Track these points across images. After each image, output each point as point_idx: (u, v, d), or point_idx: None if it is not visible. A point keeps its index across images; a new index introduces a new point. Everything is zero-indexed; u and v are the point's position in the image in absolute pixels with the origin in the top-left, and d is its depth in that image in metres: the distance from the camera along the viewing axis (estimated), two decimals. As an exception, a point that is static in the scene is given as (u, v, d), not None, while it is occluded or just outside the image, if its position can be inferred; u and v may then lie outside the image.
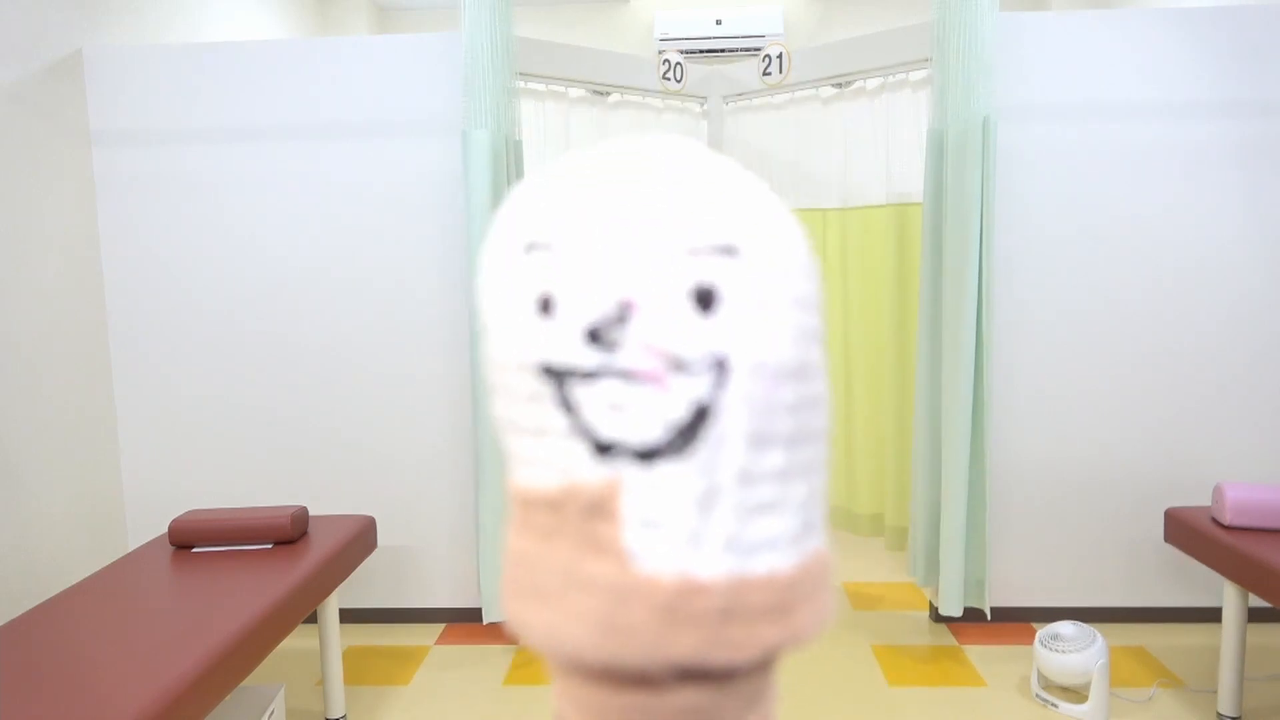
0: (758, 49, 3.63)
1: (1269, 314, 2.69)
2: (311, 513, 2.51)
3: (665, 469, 0.31)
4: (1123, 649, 2.62)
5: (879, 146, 3.43)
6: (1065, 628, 2.38)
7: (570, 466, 0.32)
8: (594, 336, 0.31)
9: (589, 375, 0.31)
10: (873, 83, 3.35)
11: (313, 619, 2.36)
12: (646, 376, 0.31)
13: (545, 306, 0.32)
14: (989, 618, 2.82)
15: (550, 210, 0.33)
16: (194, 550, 2.25)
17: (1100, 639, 2.32)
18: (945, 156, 2.69)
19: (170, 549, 2.26)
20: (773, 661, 0.35)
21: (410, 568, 2.92)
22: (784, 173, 3.77)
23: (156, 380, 2.86)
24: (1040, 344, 2.75)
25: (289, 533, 2.25)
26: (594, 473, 0.32)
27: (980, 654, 2.66)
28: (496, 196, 2.67)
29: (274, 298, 2.84)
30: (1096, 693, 2.29)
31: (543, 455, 0.33)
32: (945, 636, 2.78)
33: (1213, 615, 2.67)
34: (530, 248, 0.33)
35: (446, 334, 2.83)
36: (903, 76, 3.19)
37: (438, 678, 2.59)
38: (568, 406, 0.32)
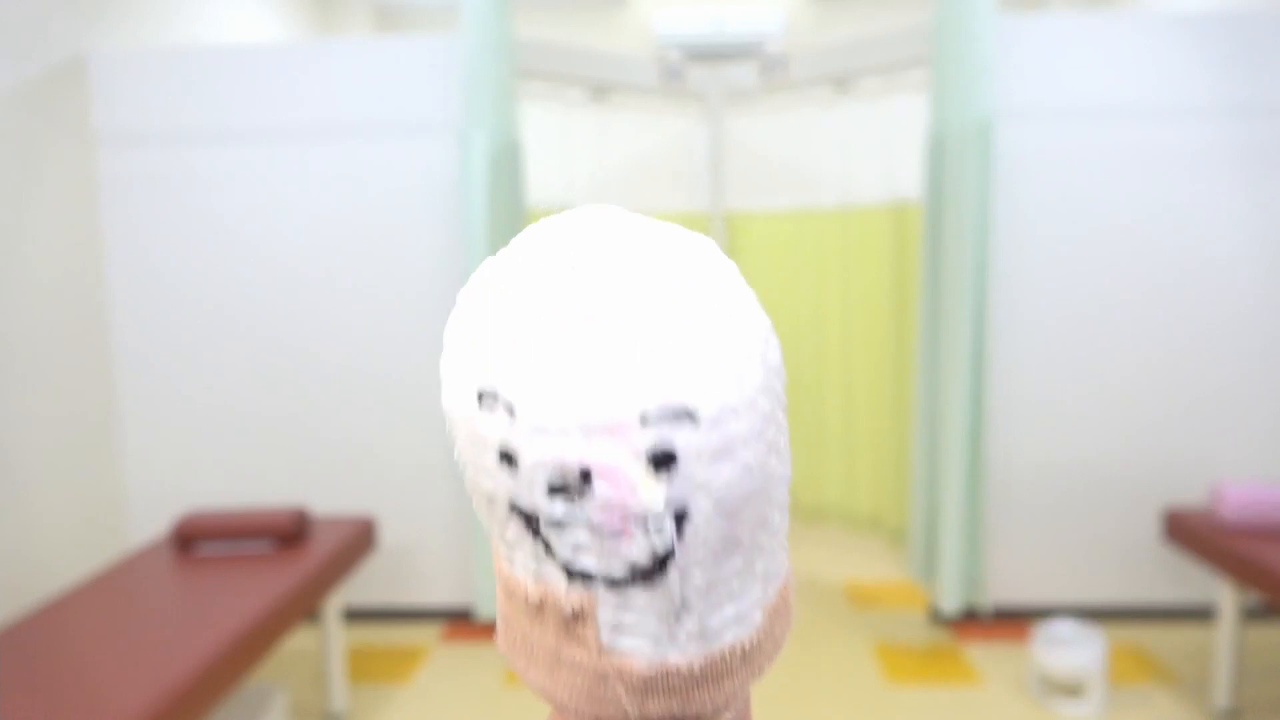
0: (757, 49, 3.63)
1: (1267, 315, 2.70)
2: (312, 513, 2.52)
3: (634, 592, 0.35)
4: (1120, 647, 2.63)
5: (878, 147, 3.44)
6: (1063, 626, 2.39)
7: (545, 578, 0.36)
8: (557, 491, 0.34)
9: (556, 524, 0.34)
10: (872, 83, 3.35)
11: (314, 618, 2.37)
12: (610, 530, 0.34)
13: (508, 459, 0.34)
14: (987, 616, 2.82)
15: (500, 355, 0.34)
16: (195, 550, 2.26)
17: (1098, 637, 2.33)
18: (944, 158, 2.70)
19: (171, 548, 2.27)
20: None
21: (411, 567, 2.93)
22: (783, 173, 3.77)
23: (158, 380, 2.86)
24: (1039, 343, 2.75)
25: (290, 532, 2.26)
26: (568, 590, 0.35)
27: (978, 652, 2.66)
28: (496, 197, 2.68)
29: (275, 298, 2.85)
30: (1094, 690, 2.30)
31: (520, 561, 0.37)
32: (943, 635, 2.79)
33: (1210, 613, 2.68)
34: (484, 398, 0.35)
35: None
36: (902, 77, 3.19)
37: (438, 676, 2.60)
38: (538, 538, 0.35)
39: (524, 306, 0.34)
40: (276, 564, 2.14)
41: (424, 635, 2.87)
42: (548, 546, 0.35)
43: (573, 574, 0.35)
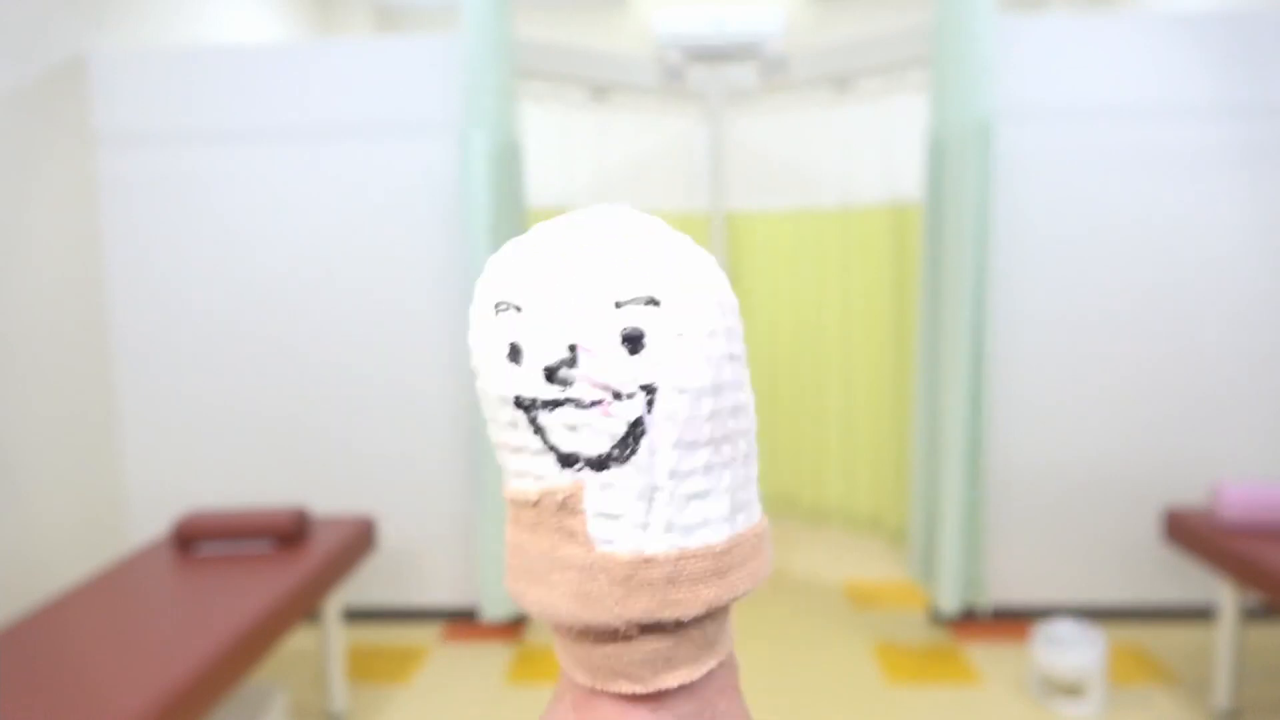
0: (757, 49, 3.63)
1: (1267, 315, 2.70)
2: (312, 513, 2.52)
3: (614, 473, 0.40)
4: (1120, 647, 2.63)
5: (878, 147, 3.44)
6: (1063, 626, 2.39)
7: (544, 475, 0.42)
8: (551, 375, 0.40)
9: (550, 404, 0.41)
10: (872, 83, 3.35)
11: (314, 618, 2.37)
12: (593, 403, 0.40)
13: (514, 354, 0.42)
14: (987, 616, 2.82)
15: (513, 276, 0.43)
16: (194, 550, 2.26)
17: (1098, 637, 2.33)
18: (944, 158, 2.70)
19: (171, 548, 2.27)
20: (719, 614, 0.43)
21: (411, 566, 2.93)
22: (783, 173, 3.77)
23: (159, 380, 2.86)
24: (1038, 343, 2.75)
25: (290, 532, 2.26)
26: (561, 479, 0.41)
27: (978, 652, 2.66)
28: (497, 198, 2.68)
29: (276, 298, 2.85)
30: (1094, 690, 2.30)
31: (524, 467, 0.43)
32: (943, 635, 2.79)
33: (1210, 613, 2.68)
34: (499, 307, 0.43)
35: (446, 334, 2.83)
36: (902, 77, 3.19)
37: (438, 676, 2.60)
38: (537, 429, 0.42)
39: (532, 246, 0.43)
40: (276, 564, 2.14)
41: (424, 635, 2.87)
42: (544, 436, 0.41)
43: (564, 460, 0.41)
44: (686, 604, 0.41)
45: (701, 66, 3.63)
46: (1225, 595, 2.28)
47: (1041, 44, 2.68)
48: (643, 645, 0.41)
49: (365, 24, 5.15)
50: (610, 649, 0.42)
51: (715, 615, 0.43)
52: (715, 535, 0.42)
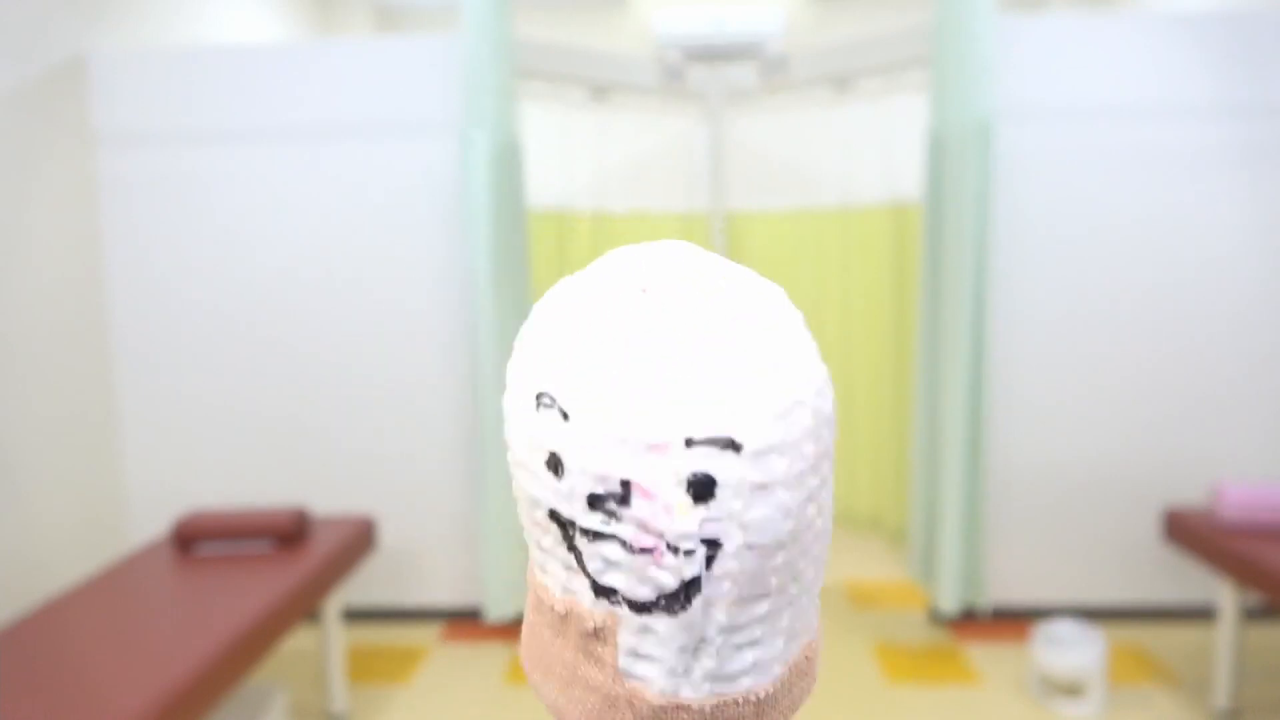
0: (757, 49, 3.63)
1: (1267, 315, 2.69)
2: (312, 513, 2.52)
3: (656, 619, 0.35)
4: (1120, 647, 2.63)
5: (878, 147, 3.44)
6: (1063, 626, 2.39)
7: (574, 590, 0.37)
8: (595, 503, 0.35)
9: (591, 534, 0.35)
10: (872, 83, 3.35)
11: (314, 618, 2.37)
12: (642, 550, 0.34)
13: (554, 465, 0.36)
14: (987, 616, 2.82)
15: (561, 362, 0.36)
16: (195, 550, 2.26)
17: (1098, 637, 2.33)
18: (944, 158, 2.70)
19: (171, 549, 2.27)
20: None
21: (411, 566, 2.93)
22: (783, 173, 3.77)
23: (159, 381, 2.86)
24: (1039, 343, 2.75)
25: (290, 532, 2.26)
26: (593, 606, 0.36)
27: (978, 652, 2.66)
28: (497, 198, 2.68)
29: (276, 298, 2.85)
30: (1094, 690, 2.29)
31: (551, 570, 0.38)
32: (943, 635, 2.79)
33: (1210, 613, 2.68)
34: (541, 400, 0.36)
35: (447, 333, 2.83)
36: (902, 77, 3.19)
37: (438, 676, 2.60)
38: (572, 548, 0.36)
39: (590, 319, 0.36)
40: (276, 564, 2.14)
41: (424, 635, 2.87)
42: (580, 558, 0.36)
43: (599, 590, 0.36)
44: None
45: (701, 66, 3.63)
46: (1225, 595, 2.28)
47: (1041, 44, 2.68)
48: None
49: (365, 24, 5.14)
50: None
51: None
52: (763, 679, 0.37)
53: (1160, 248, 2.70)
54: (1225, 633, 2.28)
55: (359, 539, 2.42)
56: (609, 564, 0.35)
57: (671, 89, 3.54)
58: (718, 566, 0.34)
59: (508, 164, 2.74)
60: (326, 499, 2.77)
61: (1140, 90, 2.67)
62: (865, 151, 3.48)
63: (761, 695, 0.37)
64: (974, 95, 2.57)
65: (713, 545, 0.34)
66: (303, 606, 2.04)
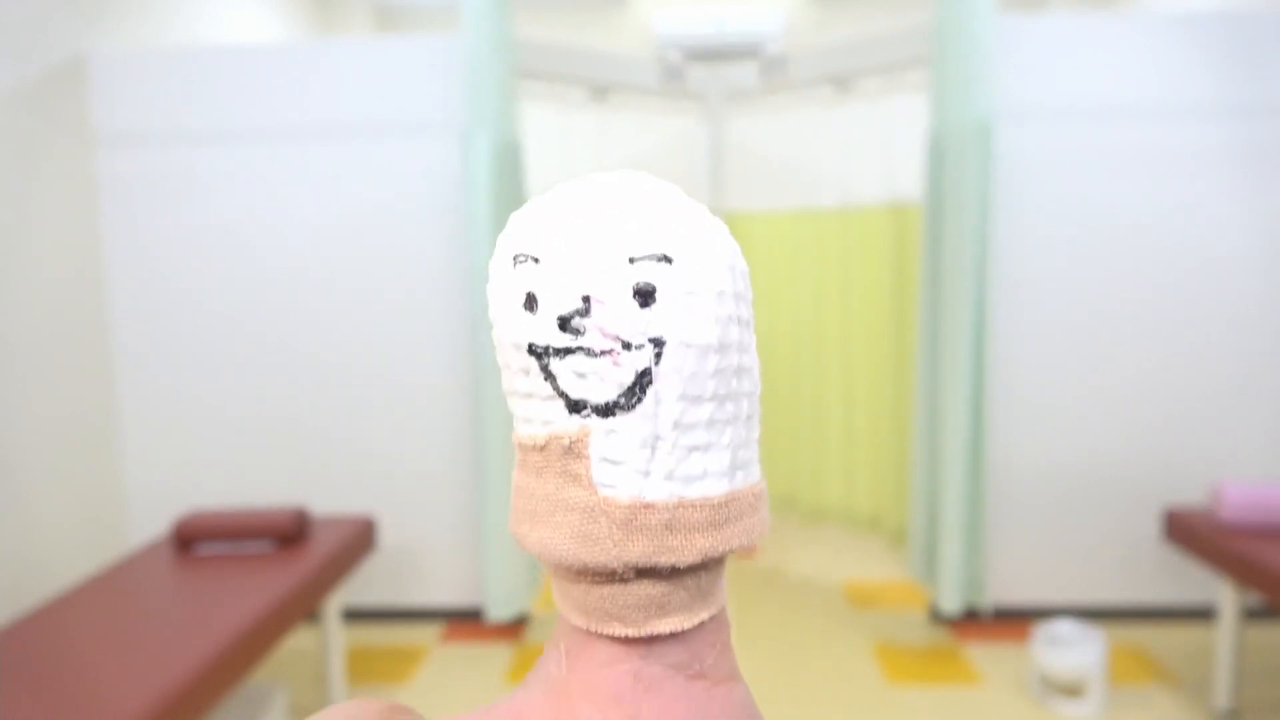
0: (758, 49, 3.63)
1: (1268, 315, 2.70)
2: (312, 513, 2.52)
3: (619, 420, 0.42)
4: (1120, 647, 2.63)
5: (878, 147, 3.44)
6: (1063, 626, 2.39)
7: (552, 420, 0.44)
8: (564, 324, 0.42)
9: (562, 351, 0.42)
10: (872, 83, 3.35)
11: (314, 618, 2.37)
12: (603, 353, 0.42)
13: (530, 303, 0.43)
14: (988, 616, 2.82)
15: (533, 229, 0.45)
16: (195, 550, 2.26)
17: (1098, 637, 2.33)
18: (944, 158, 2.70)
19: (171, 548, 2.27)
20: (714, 565, 0.45)
21: (411, 567, 2.93)
22: (783, 173, 3.77)
23: (159, 380, 2.86)
24: (1039, 343, 2.75)
25: (290, 532, 2.26)
26: (569, 423, 0.43)
27: (978, 652, 2.66)
28: (498, 197, 2.68)
29: (276, 298, 2.85)
30: (1094, 690, 2.30)
31: (533, 413, 0.45)
32: (944, 635, 2.79)
33: (1210, 613, 2.68)
34: (518, 259, 0.44)
35: (448, 333, 2.83)
36: (902, 77, 3.19)
37: (438, 676, 2.60)
38: (548, 375, 0.43)
39: (552, 203, 0.45)
40: (276, 564, 2.14)
41: (424, 635, 2.87)
42: (555, 382, 0.43)
43: (572, 406, 0.42)
44: (682, 551, 0.42)
45: (701, 66, 3.63)
46: (1225, 595, 2.28)
47: (1041, 44, 2.68)
48: (638, 589, 0.43)
49: (365, 24, 5.15)
50: (607, 591, 0.43)
51: (710, 566, 0.45)
52: (714, 488, 0.43)
53: (1160, 248, 2.70)
54: (1225, 633, 2.28)
55: (359, 539, 2.42)
56: (578, 376, 0.42)
57: (671, 89, 3.54)
58: (664, 362, 0.41)
59: (508, 164, 2.74)
60: (326, 499, 2.77)
61: (1140, 90, 2.67)
62: (865, 151, 3.48)
63: (715, 501, 0.43)
64: (974, 95, 2.57)
65: (658, 343, 0.41)
66: (303, 606, 2.04)
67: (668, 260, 0.42)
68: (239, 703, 2.09)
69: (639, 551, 0.42)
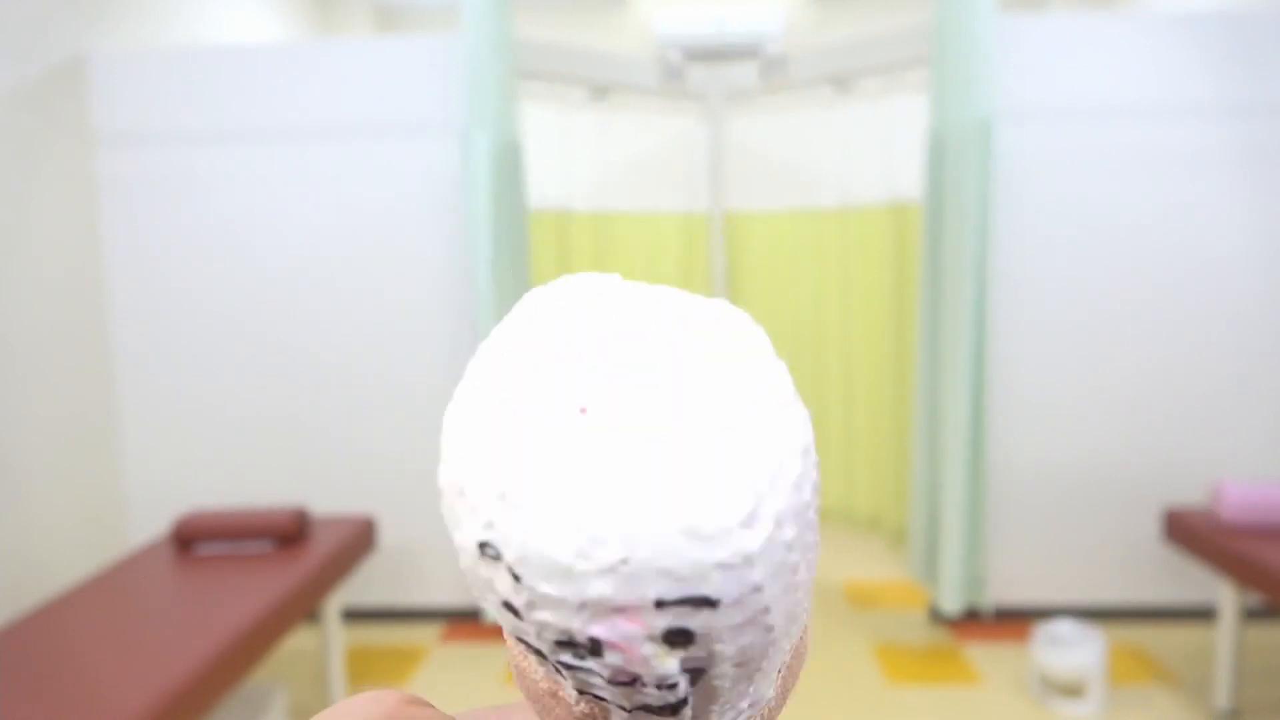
0: (758, 49, 3.63)
1: (1268, 315, 2.70)
2: (312, 513, 2.52)
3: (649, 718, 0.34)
4: (1120, 647, 2.63)
5: (878, 147, 3.44)
6: (1064, 626, 2.39)
7: (558, 684, 0.36)
8: (563, 647, 0.32)
9: (564, 667, 0.33)
10: (872, 83, 3.35)
11: (314, 618, 2.37)
12: (621, 684, 0.32)
13: (512, 610, 0.33)
14: (988, 616, 2.82)
15: (502, 503, 0.31)
16: (195, 550, 2.25)
17: (1098, 637, 2.33)
18: (944, 157, 2.70)
19: (171, 548, 2.27)
20: None
21: (410, 567, 2.93)
22: (783, 173, 3.77)
23: (159, 380, 2.86)
24: (1040, 343, 2.75)
25: (290, 532, 2.26)
26: (579, 701, 0.35)
27: (979, 652, 2.66)
28: (498, 198, 2.68)
29: (276, 298, 2.85)
30: (1094, 690, 2.29)
31: (531, 662, 0.36)
32: (944, 635, 2.79)
33: (1210, 613, 2.68)
34: (486, 549, 0.32)
35: (447, 333, 2.83)
36: (902, 77, 3.19)
37: (438, 676, 2.60)
38: (548, 662, 0.34)
39: (525, 451, 0.31)
40: (276, 564, 2.14)
41: (424, 635, 2.87)
42: (559, 672, 0.35)
43: (583, 691, 0.35)
44: None
45: (701, 66, 3.63)
46: (1225, 595, 2.28)
47: (1041, 44, 2.68)
48: None
49: (365, 24, 5.14)
50: None
51: None
52: (759, 709, 0.37)
53: (1160, 248, 2.70)
54: (1225, 633, 2.28)
55: (359, 539, 2.42)
56: (590, 685, 0.34)
57: (671, 89, 3.54)
58: (703, 685, 0.33)
59: (508, 164, 2.74)
60: (326, 499, 2.77)
61: (1140, 90, 2.67)
62: (865, 151, 3.48)
63: (769, 706, 0.38)
64: (974, 95, 2.57)
65: (697, 673, 0.33)
66: (303, 606, 2.04)
67: (710, 605, 0.30)
68: (239, 703, 2.09)
69: None
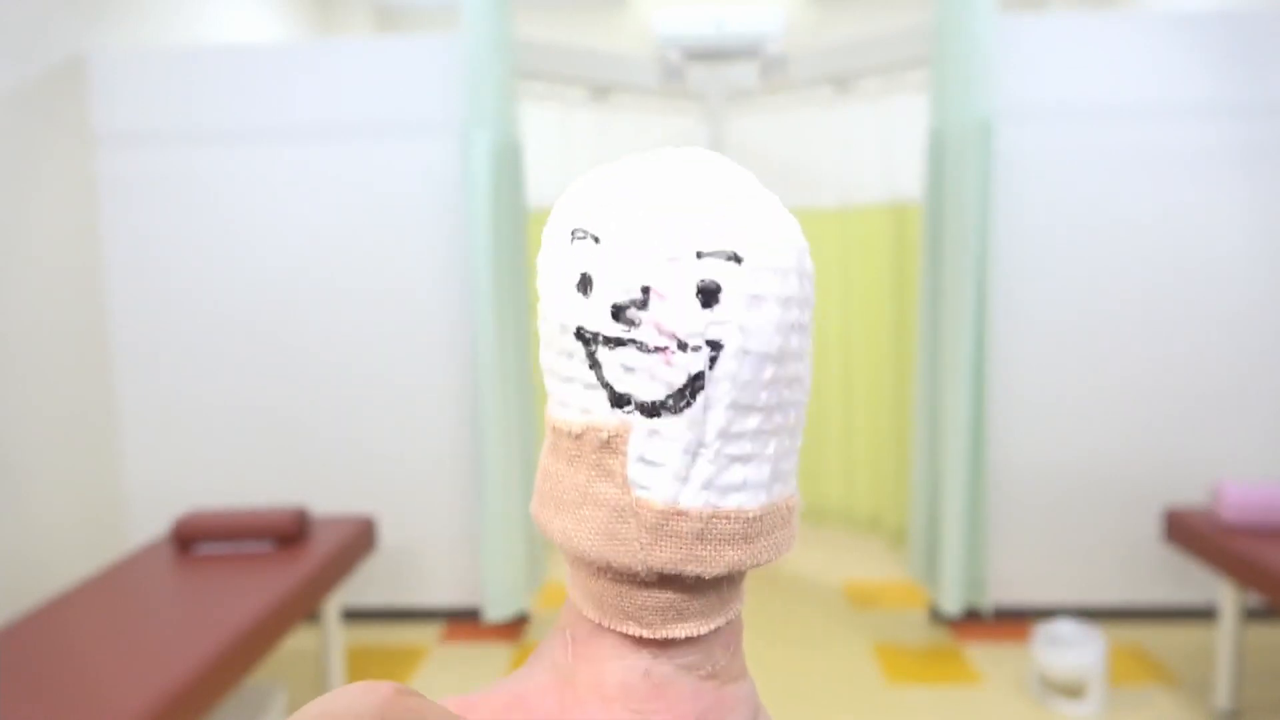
0: (758, 49, 3.64)
1: (1268, 315, 2.70)
2: (312, 513, 2.52)
3: (663, 422, 0.40)
4: (1121, 647, 2.63)
5: (878, 147, 3.44)
6: (1064, 626, 2.39)
7: (591, 409, 0.42)
8: (618, 313, 0.40)
9: (612, 341, 0.40)
10: (872, 83, 3.35)
11: (314, 618, 2.37)
12: (656, 349, 0.39)
13: (584, 285, 0.41)
14: (988, 616, 2.82)
15: (595, 204, 0.42)
16: (195, 550, 2.25)
17: (1098, 637, 2.33)
18: (944, 157, 2.70)
19: (171, 548, 2.27)
20: (737, 575, 0.44)
21: (411, 567, 2.93)
22: (783, 173, 3.77)
23: (159, 380, 2.86)
24: (1040, 343, 2.75)
25: (290, 532, 2.26)
26: (609, 417, 0.41)
27: (979, 652, 2.66)
28: (497, 198, 2.68)
29: (276, 298, 2.85)
30: (1094, 690, 2.29)
31: (571, 398, 0.43)
32: (944, 635, 2.79)
33: (1210, 613, 2.68)
34: (576, 234, 0.42)
35: (448, 333, 2.83)
36: (902, 77, 3.19)
37: (438, 677, 2.60)
38: (594, 363, 0.41)
39: (620, 178, 0.43)
40: (276, 564, 2.14)
41: (424, 635, 2.87)
42: (599, 372, 0.41)
43: (615, 399, 0.40)
44: (711, 562, 0.41)
45: (701, 66, 3.63)
46: (1225, 595, 2.28)
47: (1041, 44, 2.68)
48: (659, 593, 0.42)
49: (365, 24, 5.15)
50: (625, 589, 0.42)
51: (733, 576, 0.43)
52: (751, 500, 0.41)
53: (1160, 248, 2.70)
54: (1225, 633, 2.28)
55: (359, 539, 2.42)
56: (626, 370, 0.40)
57: (671, 89, 3.54)
58: (719, 367, 0.39)
59: (508, 164, 2.74)
60: (326, 499, 2.77)
61: (1140, 90, 2.67)
62: (865, 151, 3.48)
63: (749, 514, 0.41)
64: (974, 95, 2.57)
65: (715, 347, 0.39)
66: (303, 606, 2.04)
67: (737, 260, 0.39)
68: (239, 703, 2.09)
69: (666, 558, 0.40)
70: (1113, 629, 2.69)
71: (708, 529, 0.40)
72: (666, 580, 0.41)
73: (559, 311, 0.42)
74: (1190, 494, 2.69)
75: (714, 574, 0.41)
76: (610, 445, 0.41)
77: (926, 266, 2.79)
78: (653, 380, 0.39)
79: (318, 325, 2.86)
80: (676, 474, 0.40)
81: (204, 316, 2.85)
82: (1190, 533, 2.33)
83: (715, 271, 0.39)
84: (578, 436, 0.42)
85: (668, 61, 3.52)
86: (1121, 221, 2.70)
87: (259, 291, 2.85)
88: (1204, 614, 2.72)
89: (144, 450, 2.88)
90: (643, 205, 0.40)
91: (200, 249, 2.84)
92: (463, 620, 2.94)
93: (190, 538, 2.25)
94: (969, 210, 2.55)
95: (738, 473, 0.41)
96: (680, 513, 0.40)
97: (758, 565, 0.42)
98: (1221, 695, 2.29)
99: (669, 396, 0.39)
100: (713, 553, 0.41)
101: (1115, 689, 2.41)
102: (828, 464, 3.75)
